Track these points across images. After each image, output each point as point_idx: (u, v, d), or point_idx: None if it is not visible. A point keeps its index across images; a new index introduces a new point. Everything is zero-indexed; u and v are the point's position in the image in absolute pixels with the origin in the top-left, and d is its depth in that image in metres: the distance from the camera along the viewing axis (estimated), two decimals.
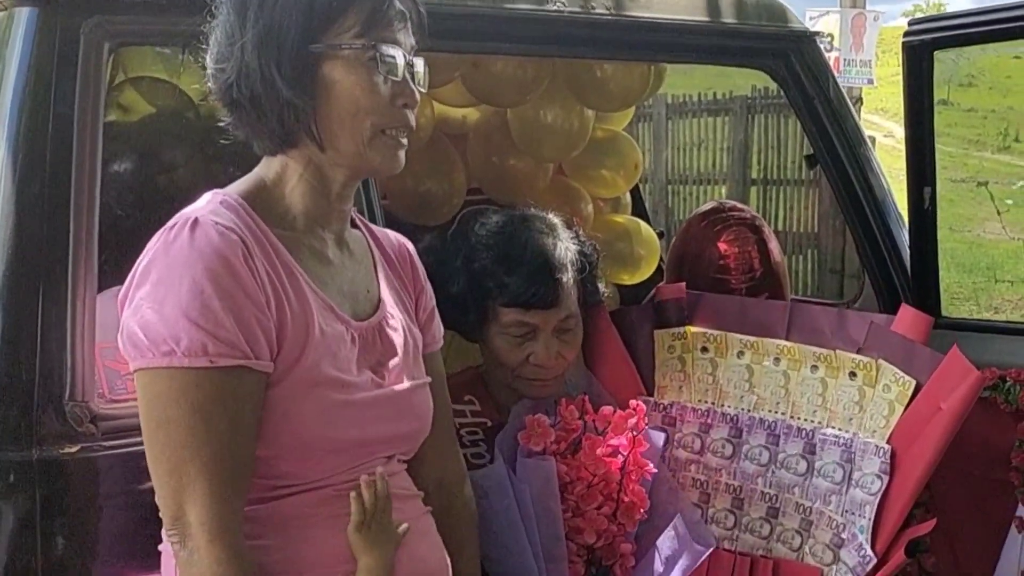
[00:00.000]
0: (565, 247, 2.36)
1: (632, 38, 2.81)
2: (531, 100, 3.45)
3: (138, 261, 1.61)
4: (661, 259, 3.93)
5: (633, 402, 2.28)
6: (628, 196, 4.11)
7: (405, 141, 1.73)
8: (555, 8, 2.62)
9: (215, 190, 1.70)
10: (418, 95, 1.73)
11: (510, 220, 2.38)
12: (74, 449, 1.95)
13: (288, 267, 1.66)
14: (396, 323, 1.83)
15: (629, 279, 3.85)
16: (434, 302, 1.99)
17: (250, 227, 1.64)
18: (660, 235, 4.08)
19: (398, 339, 1.81)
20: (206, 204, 1.65)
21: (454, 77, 3.32)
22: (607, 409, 2.26)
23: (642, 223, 3.99)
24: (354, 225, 1.88)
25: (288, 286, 1.65)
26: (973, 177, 12.88)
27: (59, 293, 1.98)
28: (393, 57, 1.67)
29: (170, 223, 1.61)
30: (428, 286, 1.98)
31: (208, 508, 1.54)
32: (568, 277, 2.33)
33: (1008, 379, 2.65)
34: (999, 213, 11.54)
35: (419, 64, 1.74)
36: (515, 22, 2.60)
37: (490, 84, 3.36)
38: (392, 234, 1.99)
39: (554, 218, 2.43)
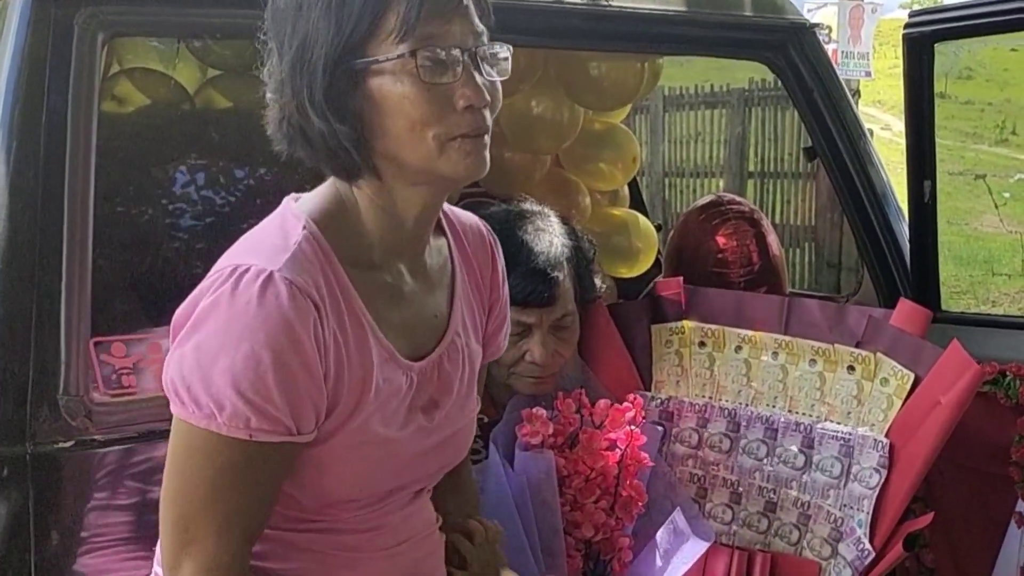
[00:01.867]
0: (561, 244, 2.34)
1: (630, 29, 2.79)
2: (522, 91, 3.43)
3: (200, 292, 1.48)
4: (659, 252, 3.92)
5: (631, 396, 2.27)
6: (626, 189, 4.10)
7: (486, 140, 1.53)
8: None
9: (294, 208, 1.57)
10: (486, 93, 1.50)
11: (506, 217, 2.36)
12: (68, 443, 1.94)
13: (356, 316, 1.54)
14: (459, 351, 1.71)
15: (627, 272, 3.85)
16: (508, 311, 1.88)
17: (324, 271, 1.50)
18: (658, 228, 4.07)
19: (456, 373, 1.70)
20: (284, 241, 1.50)
21: None
22: (604, 403, 2.25)
23: (640, 216, 3.99)
24: (439, 225, 1.73)
25: (352, 342, 1.53)
26: (971, 170, 12.88)
27: (53, 286, 1.97)
28: (442, 57, 1.47)
29: (238, 261, 1.47)
30: (505, 290, 1.85)
31: (205, 570, 1.47)
32: (564, 275, 2.32)
33: (1008, 373, 2.65)
34: (996, 206, 11.54)
35: (492, 51, 1.53)
36: (510, 11, 2.58)
37: None
38: (480, 228, 1.83)
39: (550, 213, 2.42)
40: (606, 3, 2.69)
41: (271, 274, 1.44)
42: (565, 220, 2.45)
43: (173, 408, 1.48)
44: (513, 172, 3.62)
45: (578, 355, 2.46)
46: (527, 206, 2.42)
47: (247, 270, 1.45)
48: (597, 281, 2.49)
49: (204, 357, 1.44)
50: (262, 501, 1.51)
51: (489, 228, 1.85)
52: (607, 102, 3.62)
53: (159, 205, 2.46)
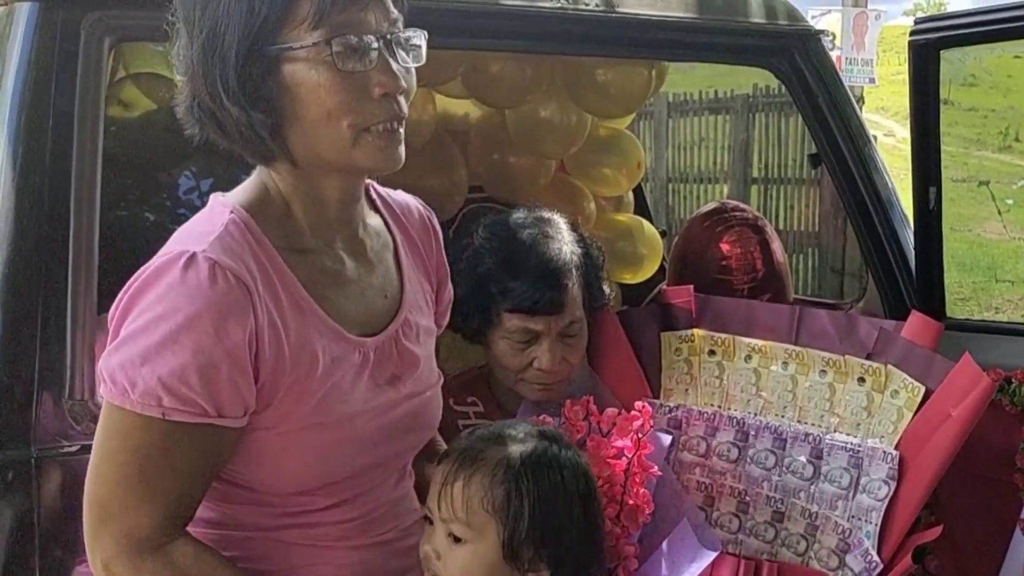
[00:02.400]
0: (570, 251, 2.33)
1: (636, 36, 2.79)
2: (530, 101, 3.44)
3: (129, 282, 1.51)
4: (663, 258, 3.92)
5: (639, 404, 2.26)
6: (631, 195, 4.11)
7: (401, 132, 1.54)
8: (558, 5, 2.61)
9: (221, 199, 1.58)
10: (403, 79, 1.52)
11: (514, 223, 2.35)
12: (73, 448, 1.94)
13: (295, 299, 1.55)
14: (412, 326, 1.73)
15: (631, 278, 3.85)
16: (451, 294, 1.91)
17: (255, 254, 1.52)
18: (662, 234, 4.07)
19: (416, 347, 1.73)
20: (211, 226, 1.52)
21: (457, 74, 3.31)
22: (612, 411, 2.24)
23: (644, 222, 3.99)
24: (373, 205, 1.75)
25: (292, 324, 1.53)
26: (974, 176, 12.87)
27: (59, 290, 1.97)
28: (356, 44, 1.47)
29: (167, 250, 1.50)
30: (448, 273, 1.88)
31: (121, 541, 1.50)
32: (573, 282, 2.30)
33: (1014, 380, 2.64)
34: (1000, 213, 11.53)
35: (407, 36, 1.54)
36: (516, 18, 2.59)
37: (489, 85, 3.35)
38: (415, 206, 1.84)
39: (559, 220, 2.40)
40: (612, 9, 2.69)
41: (194, 255, 1.46)
42: (574, 226, 2.43)
43: (99, 391, 1.54)
44: (518, 177, 3.63)
45: (586, 362, 2.45)
46: (535, 212, 2.41)
47: (171, 254, 1.47)
48: (605, 288, 2.48)
49: (127, 340, 1.46)
50: (185, 484, 1.51)
51: (425, 205, 1.86)
52: (614, 108, 3.63)
53: (165, 209, 2.46)
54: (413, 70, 1.56)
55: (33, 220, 1.97)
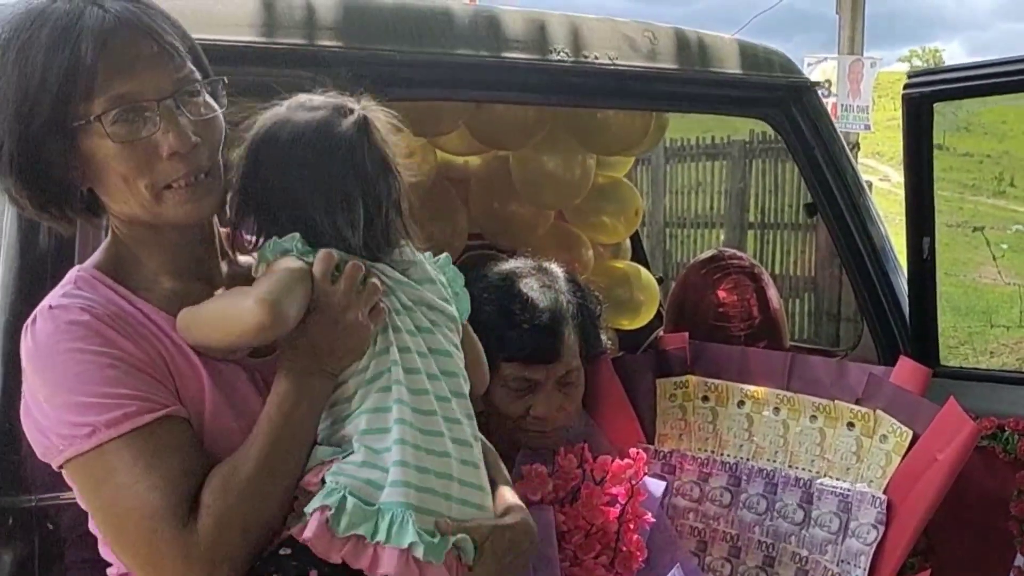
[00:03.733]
0: (567, 300, 2.34)
1: (633, 87, 2.83)
2: (533, 143, 3.47)
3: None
4: (660, 304, 3.94)
5: (633, 451, 2.27)
6: (628, 242, 4.13)
7: (207, 180, 1.58)
8: (558, 58, 2.65)
9: (75, 267, 1.64)
10: (191, 134, 1.54)
11: (512, 272, 2.37)
12: (73, 495, 1.94)
13: (165, 335, 1.58)
14: None
15: (628, 324, 3.87)
16: None
17: (112, 300, 1.57)
18: (659, 281, 4.10)
19: None
20: (60, 287, 1.59)
21: (458, 125, 3.35)
22: (605, 458, 2.25)
23: (642, 269, 4.01)
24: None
25: (162, 341, 1.57)
26: (968, 222, 12.94)
27: None
28: (134, 112, 1.51)
29: (30, 318, 1.56)
30: None
31: (185, 548, 1.48)
32: (570, 331, 2.31)
33: (1007, 428, 2.66)
34: (995, 258, 11.57)
35: (195, 90, 1.57)
36: (518, 71, 2.62)
37: (492, 127, 3.39)
38: None
39: (557, 269, 2.42)
40: (609, 61, 2.73)
41: (50, 305, 1.54)
42: (571, 275, 2.45)
43: (60, 459, 1.51)
44: (517, 225, 3.65)
45: (582, 408, 2.47)
46: (532, 261, 2.42)
47: (34, 318, 1.54)
48: (603, 337, 2.50)
49: (49, 394, 1.50)
50: (192, 477, 1.51)
51: None
52: (615, 147, 3.66)
53: None
54: (218, 117, 1.60)
55: (38, 268, 1.99)
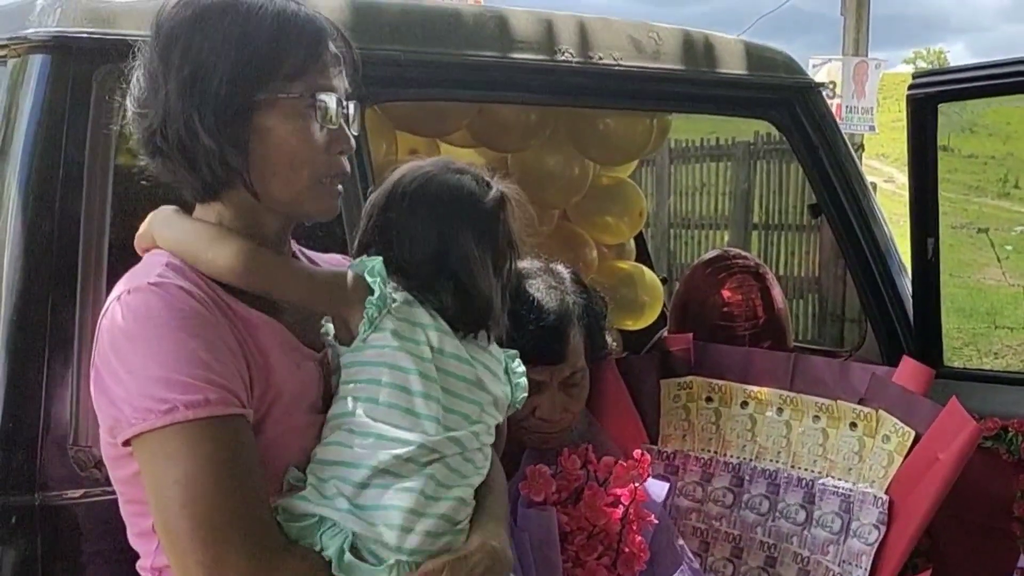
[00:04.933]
0: (572, 301, 2.34)
1: (637, 88, 2.83)
2: (534, 146, 3.48)
3: (98, 338, 1.57)
4: (664, 305, 3.94)
5: (636, 452, 2.27)
6: (632, 242, 4.13)
7: (341, 188, 1.70)
8: (562, 58, 2.65)
9: (157, 251, 1.65)
10: (353, 141, 1.69)
11: (519, 273, 2.37)
12: (77, 494, 1.95)
13: (245, 319, 1.60)
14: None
15: (633, 325, 3.87)
16: None
17: (200, 287, 1.58)
18: (663, 281, 4.10)
19: None
20: (150, 268, 1.59)
21: (462, 126, 3.35)
22: (609, 459, 2.25)
23: (646, 269, 4.02)
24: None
25: (248, 335, 1.59)
26: (973, 223, 12.93)
27: (66, 338, 1.99)
28: (329, 104, 1.62)
29: (119, 292, 1.56)
30: None
31: (251, 554, 1.49)
32: (575, 333, 2.31)
33: (1011, 429, 2.66)
34: (999, 259, 11.57)
35: (351, 108, 1.70)
36: (523, 72, 2.62)
37: (494, 130, 3.39)
38: (336, 259, 1.94)
39: (563, 270, 2.41)
40: (614, 62, 2.73)
41: (152, 281, 1.54)
42: (576, 276, 2.44)
43: (129, 432, 1.50)
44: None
45: (586, 409, 2.47)
46: (538, 263, 2.42)
47: (126, 291, 1.54)
48: (608, 338, 2.49)
49: (137, 367, 1.50)
50: (263, 485, 1.53)
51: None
52: (615, 156, 3.66)
53: None
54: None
55: (42, 268, 1.99)
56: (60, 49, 2.07)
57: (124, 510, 1.65)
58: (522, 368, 1.87)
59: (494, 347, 1.81)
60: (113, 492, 1.88)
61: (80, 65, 2.07)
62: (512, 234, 1.79)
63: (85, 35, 2.08)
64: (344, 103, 1.65)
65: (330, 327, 1.72)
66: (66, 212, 2.02)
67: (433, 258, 1.71)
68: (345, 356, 1.68)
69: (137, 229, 1.71)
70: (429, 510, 1.62)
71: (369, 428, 1.61)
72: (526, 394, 1.87)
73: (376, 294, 1.65)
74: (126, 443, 1.52)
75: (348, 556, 1.54)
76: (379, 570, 1.56)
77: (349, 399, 1.63)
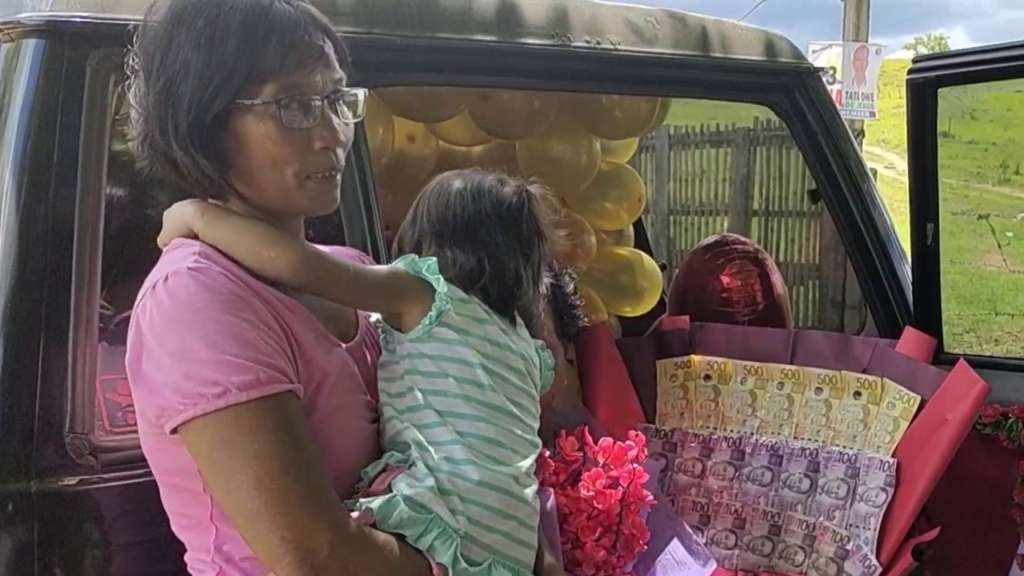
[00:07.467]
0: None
1: (636, 73, 2.82)
2: (538, 132, 3.46)
3: (134, 326, 1.56)
4: (663, 291, 3.93)
5: (632, 433, 2.27)
6: (631, 228, 4.12)
7: (337, 178, 1.69)
8: (561, 43, 2.63)
9: (183, 240, 1.65)
10: (341, 133, 1.66)
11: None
12: (73, 481, 1.94)
13: (279, 304, 1.61)
14: (367, 342, 1.81)
15: (632, 311, 3.85)
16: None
17: (234, 272, 1.59)
18: (662, 267, 4.08)
19: (374, 359, 1.79)
20: (182, 255, 1.59)
21: (459, 110, 3.33)
22: (607, 441, 2.25)
23: (645, 255, 4.00)
24: None
25: (284, 320, 1.60)
26: (974, 209, 12.91)
27: (61, 324, 1.98)
28: (303, 103, 1.60)
29: (155, 280, 1.55)
30: None
31: (334, 524, 1.49)
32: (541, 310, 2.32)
33: (1011, 416, 2.65)
34: (999, 246, 11.57)
35: (352, 95, 1.68)
36: (523, 56, 2.61)
37: (498, 116, 3.37)
38: (350, 252, 1.96)
39: None
40: (612, 47, 2.71)
41: (189, 267, 1.54)
42: None
43: (181, 418, 1.48)
44: None
45: (572, 394, 2.47)
46: None
47: (163, 278, 1.54)
48: (578, 315, 2.49)
49: (183, 352, 1.49)
50: (322, 461, 1.53)
51: (363, 254, 2.03)
52: (619, 131, 3.64)
53: None
54: (352, 124, 1.70)
55: (36, 254, 1.98)
56: (54, 34, 2.05)
57: (170, 501, 1.65)
58: (551, 358, 1.90)
59: (527, 334, 1.86)
60: (108, 479, 1.88)
61: (74, 50, 2.05)
62: (539, 225, 1.86)
63: (79, 19, 2.07)
64: (327, 96, 1.63)
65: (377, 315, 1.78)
66: (61, 198, 2.01)
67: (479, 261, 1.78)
68: (405, 345, 1.72)
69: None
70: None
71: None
72: (552, 382, 1.90)
73: (443, 290, 1.70)
74: (173, 431, 1.51)
75: (463, 564, 1.59)
76: (480, 571, 1.62)
77: (417, 391, 1.68)
